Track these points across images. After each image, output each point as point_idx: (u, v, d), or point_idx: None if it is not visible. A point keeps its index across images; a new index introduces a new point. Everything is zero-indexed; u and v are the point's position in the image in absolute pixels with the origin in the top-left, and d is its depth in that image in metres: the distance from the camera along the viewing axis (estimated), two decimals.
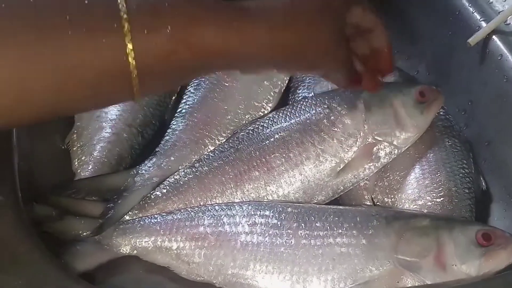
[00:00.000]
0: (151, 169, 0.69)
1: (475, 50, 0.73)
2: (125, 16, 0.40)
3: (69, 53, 0.39)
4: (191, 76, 0.48)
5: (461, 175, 0.69)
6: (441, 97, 0.70)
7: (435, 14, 0.83)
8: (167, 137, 0.73)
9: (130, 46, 0.40)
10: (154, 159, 0.70)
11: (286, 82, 0.83)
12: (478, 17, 0.74)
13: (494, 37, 0.71)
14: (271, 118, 0.71)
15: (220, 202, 0.66)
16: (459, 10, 0.77)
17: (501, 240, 0.57)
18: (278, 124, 0.70)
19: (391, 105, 0.68)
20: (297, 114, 0.70)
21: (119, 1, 0.40)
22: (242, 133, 0.71)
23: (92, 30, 0.40)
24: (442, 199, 0.67)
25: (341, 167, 0.66)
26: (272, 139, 0.68)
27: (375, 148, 0.67)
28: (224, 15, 0.43)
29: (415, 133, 0.68)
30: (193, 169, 0.68)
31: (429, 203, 0.67)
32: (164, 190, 0.67)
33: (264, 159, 0.67)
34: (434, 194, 0.67)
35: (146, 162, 0.70)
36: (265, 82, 0.80)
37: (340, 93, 0.70)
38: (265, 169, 0.66)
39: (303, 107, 0.71)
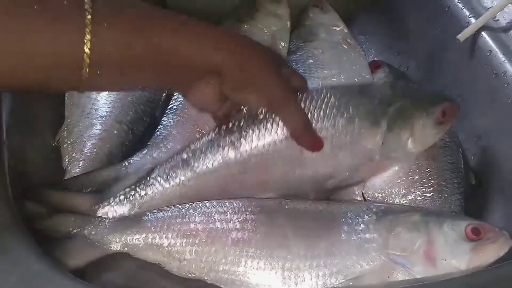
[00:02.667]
0: (143, 159, 0.69)
1: (465, 46, 0.73)
2: (89, 8, 0.42)
3: (30, 39, 0.41)
4: (141, 78, 0.49)
5: (450, 170, 0.69)
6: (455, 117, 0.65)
7: (425, 10, 0.84)
8: (158, 132, 0.73)
9: (88, 37, 0.42)
10: (146, 151, 0.70)
11: None
12: (468, 13, 0.75)
13: (483, 33, 0.71)
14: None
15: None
16: (449, 6, 0.78)
17: (490, 235, 0.57)
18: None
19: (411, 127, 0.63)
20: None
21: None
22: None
23: (55, 19, 0.41)
24: (432, 194, 0.68)
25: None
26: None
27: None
28: (179, 20, 0.48)
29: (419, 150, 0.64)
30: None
31: (419, 198, 0.68)
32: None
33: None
34: (424, 189, 0.68)
35: (137, 153, 0.70)
36: None
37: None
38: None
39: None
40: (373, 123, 0.62)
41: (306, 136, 0.57)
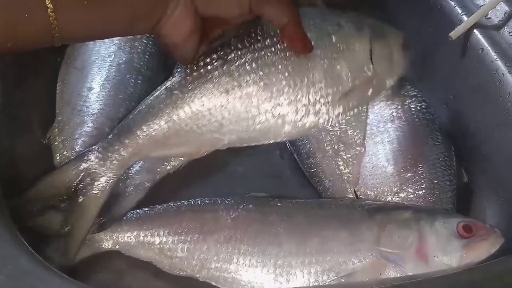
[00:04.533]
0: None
1: (457, 44, 0.73)
2: None
3: None
4: (104, 14, 0.46)
5: (442, 168, 0.69)
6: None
7: (418, 8, 0.84)
8: None
9: None
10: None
11: None
12: (460, 11, 0.75)
13: (475, 31, 0.72)
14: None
15: None
16: (441, 4, 0.78)
17: (482, 232, 0.57)
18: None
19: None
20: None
21: None
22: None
23: None
24: (424, 191, 0.68)
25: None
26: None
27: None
28: None
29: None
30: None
31: (411, 196, 0.68)
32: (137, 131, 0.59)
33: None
34: (416, 187, 0.68)
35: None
36: None
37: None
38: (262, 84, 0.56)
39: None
40: (358, 29, 0.59)
41: (296, 36, 0.52)
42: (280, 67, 0.54)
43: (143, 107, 0.58)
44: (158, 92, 0.58)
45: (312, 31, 0.55)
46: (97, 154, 0.58)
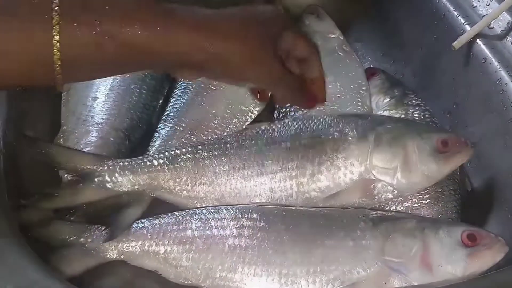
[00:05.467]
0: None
1: (460, 53, 0.73)
2: (56, 7, 0.41)
3: None
4: (115, 71, 0.49)
5: (447, 177, 0.69)
6: (467, 151, 0.65)
7: (421, 18, 0.84)
8: (156, 145, 0.73)
9: (57, 38, 0.41)
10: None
11: None
12: (463, 21, 0.75)
13: (478, 40, 0.72)
14: (283, 125, 0.70)
15: (208, 190, 0.66)
16: (444, 14, 0.78)
17: (486, 241, 0.57)
18: (286, 132, 0.68)
19: (403, 146, 0.64)
20: (309, 128, 0.68)
21: None
22: (250, 131, 0.69)
23: (21, 19, 0.41)
24: (428, 200, 0.68)
25: (332, 192, 0.65)
26: (275, 145, 0.67)
27: (372, 185, 0.64)
28: (152, 14, 0.45)
29: (423, 182, 0.64)
30: (194, 150, 0.68)
31: (416, 205, 0.68)
32: (161, 161, 0.66)
33: (260, 162, 0.66)
34: (420, 196, 0.68)
35: None
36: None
37: (357, 119, 0.68)
38: (259, 171, 0.66)
39: (317, 123, 0.69)
40: (360, 137, 0.65)
41: (303, 98, 0.56)
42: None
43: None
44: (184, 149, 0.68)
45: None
46: (118, 166, 0.65)
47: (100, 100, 0.75)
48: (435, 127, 0.76)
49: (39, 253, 0.52)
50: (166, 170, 0.66)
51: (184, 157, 0.67)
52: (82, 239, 0.61)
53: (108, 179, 0.65)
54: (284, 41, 0.51)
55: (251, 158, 0.66)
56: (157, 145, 0.73)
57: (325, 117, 0.70)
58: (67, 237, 0.62)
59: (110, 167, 0.65)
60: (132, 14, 0.44)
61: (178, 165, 0.66)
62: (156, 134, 0.75)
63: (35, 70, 0.43)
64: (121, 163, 0.65)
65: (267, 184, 0.65)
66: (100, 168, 0.65)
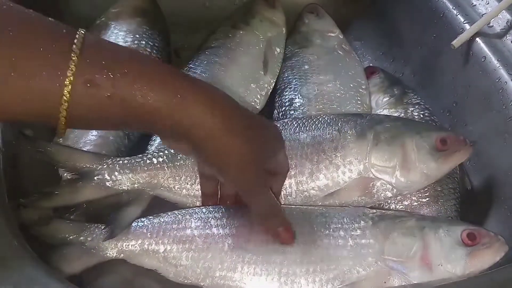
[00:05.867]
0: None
1: (459, 52, 0.74)
2: (73, 66, 0.40)
3: (3, 92, 0.40)
4: (119, 127, 0.51)
5: (446, 175, 0.69)
6: (466, 149, 0.65)
7: (420, 16, 0.84)
8: (155, 145, 0.73)
9: (67, 97, 0.41)
10: None
11: (273, 84, 0.83)
12: (462, 19, 0.75)
13: (477, 39, 0.72)
14: (282, 124, 0.70)
15: None
16: (443, 13, 0.78)
17: (486, 240, 0.57)
18: (285, 131, 0.68)
19: (402, 145, 0.64)
20: (307, 127, 0.68)
21: (74, 47, 0.41)
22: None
23: (35, 69, 0.40)
24: (428, 199, 0.68)
25: (331, 191, 0.65)
26: None
27: (371, 184, 0.64)
28: (169, 83, 0.45)
29: (422, 180, 0.64)
30: None
31: (415, 203, 0.68)
32: (160, 159, 0.66)
33: None
34: (420, 195, 0.68)
35: None
36: (251, 85, 0.81)
37: (357, 118, 0.68)
38: None
39: (316, 122, 0.69)
40: (359, 135, 0.65)
41: (272, 227, 0.57)
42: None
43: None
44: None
45: None
46: (117, 165, 0.65)
47: None
48: (434, 126, 0.76)
49: (38, 252, 0.52)
50: (166, 168, 0.66)
51: (184, 156, 0.67)
52: (81, 238, 0.61)
53: (108, 178, 0.64)
54: (275, 161, 0.55)
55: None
56: (156, 144, 0.73)
57: (324, 116, 0.70)
58: (66, 235, 0.61)
59: (110, 166, 0.65)
60: (148, 82, 0.43)
61: (178, 163, 0.66)
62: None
63: (37, 118, 0.42)
64: (121, 162, 0.65)
65: None
66: (100, 166, 0.65)
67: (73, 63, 0.40)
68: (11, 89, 0.40)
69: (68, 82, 0.40)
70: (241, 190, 0.54)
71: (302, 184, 0.65)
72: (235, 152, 0.48)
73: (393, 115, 0.78)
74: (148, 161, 0.66)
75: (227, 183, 0.54)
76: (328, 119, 0.69)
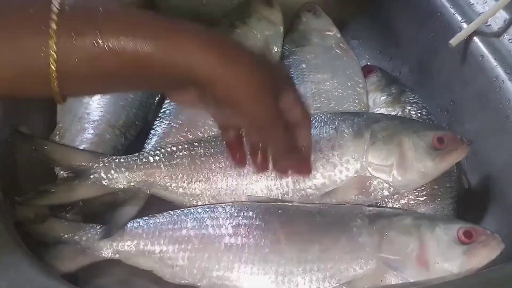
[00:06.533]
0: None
1: (457, 51, 0.73)
2: (55, 17, 0.39)
3: None
4: (115, 85, 0.46)
5: (443, 174, 0.69)
6: (463, 148, 0.65)
7: (417, 15, 0.84)
8: (152, 143, 0.73)
9: (53, 48, 0.39)
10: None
11: None
12: (460, 18, 0.75)
13: (475, 38, 0.72)
14: None
15: (204, 187, 0.66)
16: (441, 12, 0.78)
17: (482, 238, 0.57)
18: None
19: (399, 144, 0.64)
20: None
21: (53, 1, 0.40)
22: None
23: (17, 29, 0.39)
24: (424, 197, 0.68)
25: (328, 190, 0.65)
26: None
27: (368, 183, 0.64)
28: (156, 27, 0.42)
29: (419, 179, 0.64)
30: (190, 147, 0.68)
31: (412, 202, 0.68)
32: (157, 158, 0.67)
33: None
34: (417, 193, 0.68)
35: None
36: None
37: (354, 117, 0.68)
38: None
39: (313, 120, 0.68)
40: (356, 134, 0.65)
41: (291, 161, 0.53)
42: None
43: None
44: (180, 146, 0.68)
45: None
46: (113, 163, 0.65)
47: (96, 97, 0.75)
48: (431, 125, 0.76)
49: (33, 250, 0.52)
50: (162, 167, 0.66)
51: (180, 154, 0.67)
52: (76, 237, 0.61)
53: (104, 176, 0.64)
54: (285, 99, 0.49)
55: (247, 155, 0.66)
56: (153, 143, 0.73)
57: (321, 114, 0.70)
58: (61, 234, 0.61)
59: (106, 164, 0.65)
60: (135, 26, 0.42)
61: (174, 162, 0.66)
62: (152, 132, 0.75)
63: (30, 81, 0.41)
64: (117, 160, 0.65)
65: (263, 181, 0.65)
66: (96, 165, 0.64)
67: (55, 15, 0.39)
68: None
69: (52, 33, 0.39)
70: (258, 125, 0.49)
71: (299, 183, 0.65)
72: (243, 84, 0.45)
73: (391, 113, 0.78)
74: (144, 160, 0.66)
75: (243, 119, 0.48)
76: (325, 117, 0.69)
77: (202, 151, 0.67)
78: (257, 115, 0.47)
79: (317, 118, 0.69)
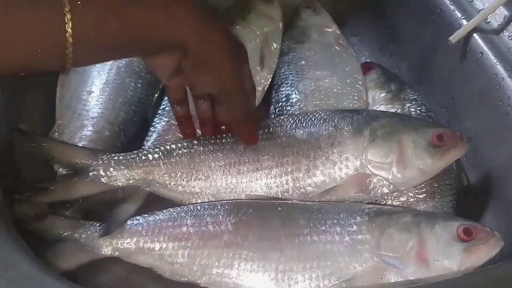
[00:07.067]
0: None
1: (456, 48, 0.73)
2: None
3: (9, 24, 0.42)
4: (115, 51, 0.52)
5: (443, 171, 0.69)
6: (463, 145, 0.65)
7: (417, 12, 0.84)
8: (151, 140, 0.72)
9: (68, 16, 0.43)
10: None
11: (269, 80, 0.83)
12: (459, 15, 0.75)
13: (475, 35, 0.72)
14: (278, 121, 0.70)
15: (204, 185, 0.66)
16: (441, 9, 0.78)
17: (482, 235, 0.57)
18: (281, 128, 0.68)
19: (399, 141, 0.64)
20: (304, 124, 0.68)
21: None
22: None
23: (32, 4, 0.43)
24: (424, 195, 0.68)
25: (328, 187, 0.65)
26: (271, 141, 0.67)
27: (368, 180, 0.64)
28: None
29: (418, 177, 0.64)
30: (189, 145, 0.67)
31: (412, 199, 0.68)
32: (156, 155, 0.66)
33: (256, 157, 0.66)
34: (417, 191, 0.68)
35: None
36: None
37: (353, 114, 0.68)
38: (255, 167, 0.65)
39: (312, 118, 0.69)
40: (355, 131, 0.65)
41: (242, 128, 0.64)
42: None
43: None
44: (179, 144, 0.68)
45: None
46: (112, 161, 0.65)
47: (95, 94, 0.75)
48: (431, 122, 0.76)
49: (33, 248, 0.52)
50: (161, 165, 0.66)
51: (180, 151, 0.67)
52: (76, 235, 0.61)
53: (103, 173, 0.64)
54: (243, 71, 0.60)
55: (246, 153, 0.66)
56: (152, 140, 0.73)
57: (320, 112, 0.70)
58: (61, 231, 0.61)
59: (105, 161, 0.65)
60: None
61: (174, 160, 0.66)
62: (151, 129, 0.75)
63: (46, 52, 0.44)
64: (116, 157, 0.65)
65: (263, 179, 0.65)
66: (95, 162, 0.64)
67: None
68: (14, 22, 0.42)
69: (67, 4, 0.43)
70: (227, 88, 0.58)
71: (299, 181, 0.65)
72: (226, 48, 0.55)
73: (390, 111, 0.78)
74: (143, 157, 0.66)
75: (214, 83, 0.58)
76: (324, 115, 0.69)
77: (202, 149, 0.67)
78: (229, 78, 0.57)
79: (316, 115, 0.69)
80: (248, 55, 0.61)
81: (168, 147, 0.67)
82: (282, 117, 0.71)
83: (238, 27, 0.86)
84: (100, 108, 0.74)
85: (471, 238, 0.57)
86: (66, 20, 0.43)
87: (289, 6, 0.93)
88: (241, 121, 0.63)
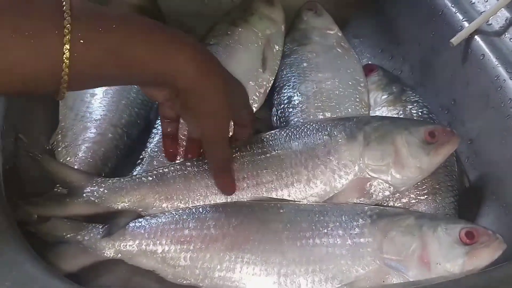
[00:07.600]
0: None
1: (458, 50, 0.73)
2: (68, 25, 0.43)
3: (8, 54, 0.42)
4: (110, 81, 0.54)
5: (444, 173, 0.70)
6: (455, 139, 0.66)
7: (419, 14, 0.84)
8: (154, 142, 0.73)
9: (67, 54, 0.44)
10: (144, 166, 0.71)
11: (271, 82, 0.83)
12: (461, 17, 0.75)
13: (476, 37, 0.72)
14: (271, 135, 0.70)
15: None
16: (442, 11, 0.78)
17: (484, 238, 0.57)
18: (276, 142, 0.68)
19: (393, 142, 0.65)
20: (297, 136, 0.68)
21: (64, 8, 0.44)
22: (238, 143, 0.68)
23: (34, 35, 0.43)
24: (426, 197, 0.68)
25: (330, 196, 0.65)
26: (267, 155, 0.67)
27: (368, 184, 0.65)
28: (156, 36, 0.50)
29: (416, 175, 0.65)
30: (182, 167, 0.67)
31: (413, 201, 0.68)
32: (150, 178, 0.66)
33: (255, 173, 0.65)
34: (418, 192, 0.68)
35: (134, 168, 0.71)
36: (250, 82, 0.81)
37: (344, 122, 0.69)
38: (254, 182, 0.65)
39: (305, 129, 0.69)
40: (350, 138, 0.66)
41: (218, 180, 0.64)
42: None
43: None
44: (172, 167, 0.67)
45: None
46: (106, 184, 0.66)
47: (98, 96, 0.75)
48: (421, 120, 0.76)
49: (36, 250, 0.52)
50: (156, 188, 0.66)
51: (174, 174, 0.66)
52: (78, 237, 0.61)
53: (97, 196, 0.64)
54: (241, 115, 0.62)
55: (244, 169, 0.66)
56: (155, 142, 0.73)
57: (311, 123, 0.70)
58: (64, 233, 0.62)
59: (99, 184, 0.65)
60: (136, 34, 0.48)
61: (168, 182, 0.66)
62: (154, 130, 0.75)
63: (41, 78, 0.45)
64: (110, 181, 0.65)
65: (264, 194, 0.65)
66: (88, 184, 0.65)
67: (67, 22, 0.44)
68: (14, 50, 0.42)
69: (67, 39, 0.43)
70: (206, 138, 0.59)
71: (300, 192, 0.65)
72: (214, 102, 0.54)
73: (392, 113, 0.78)
74: (137, 181, 0.66)
75: (197, 127, 0.59)
76: (316, 125, 0.69)
77: (196, 170, 0.66)
78: (210, 131, 0.58)
79: (308, 126, 0.70)
80: (247, 94, 0.62)
81: (161, 171, 0.67)
82: (274, 131, 0.71)
83: (240, 29, 0.87)
84: (103, 110, 0.74)
85: (474, 241, 0.57)
86: (64, 58, 0.43)
87: (291, 9, 0.93)
88: (217, 173, 0.63)
